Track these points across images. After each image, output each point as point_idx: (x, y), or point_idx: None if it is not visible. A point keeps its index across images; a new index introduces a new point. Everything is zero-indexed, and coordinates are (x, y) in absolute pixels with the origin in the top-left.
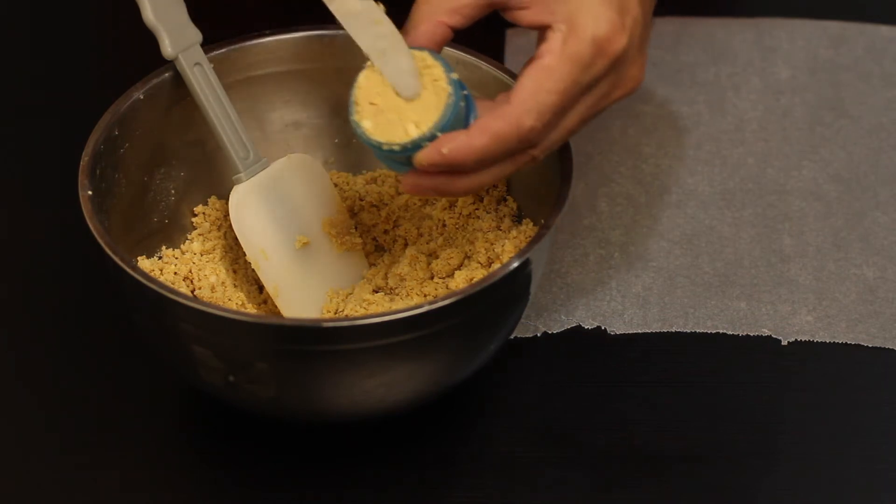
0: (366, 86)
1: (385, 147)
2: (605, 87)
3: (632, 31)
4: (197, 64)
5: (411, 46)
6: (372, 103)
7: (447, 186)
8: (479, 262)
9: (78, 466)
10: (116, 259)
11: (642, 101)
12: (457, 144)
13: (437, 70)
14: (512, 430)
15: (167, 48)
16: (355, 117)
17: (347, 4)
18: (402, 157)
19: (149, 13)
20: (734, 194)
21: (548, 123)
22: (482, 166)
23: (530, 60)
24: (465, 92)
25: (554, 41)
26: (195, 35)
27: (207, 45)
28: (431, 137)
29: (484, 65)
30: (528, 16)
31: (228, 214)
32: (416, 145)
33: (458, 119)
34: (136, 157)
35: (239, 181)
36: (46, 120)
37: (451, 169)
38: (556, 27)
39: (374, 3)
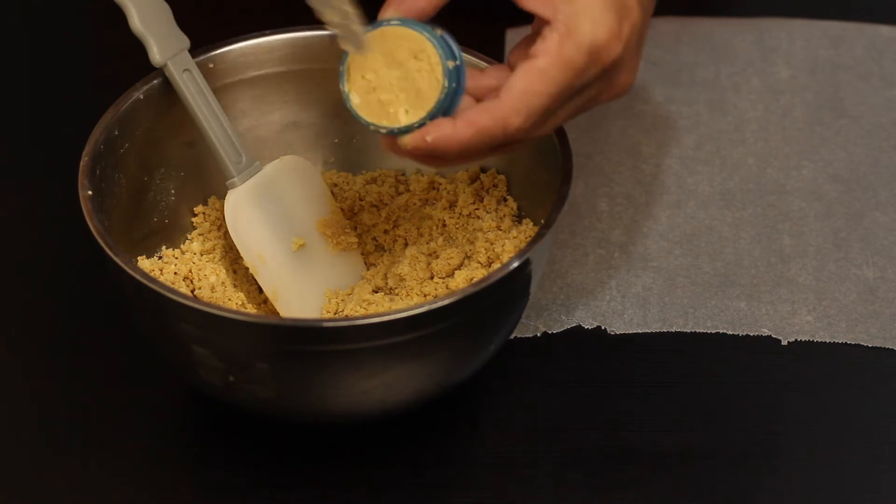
0: (358, 58)
1: (372, 128)
2: (594, 91)
3: (628, 38)
4: (186, 70)
5: (406, 23)
6: (364, 77)
7: (427, 162)
8: (479, 262)
9: (78, 466)
10: (116, 259)
11: (642, 101)
12: (442, 135)
13: (434, 58)
14: (512, 430)
15: (155, 56)
16: (346, 88)
17: None
18: (387, 135)
19: (136, 21)
20: (734, 194)
21: (535, 124)
22: (465, 157)
23: (525, 57)
24: (458, 63)
25: (550, 42)
26: (183, 41)
27: (207, 45)
28: (420, 125)
29: (484, 65)
30: (529, 1)
31: None
32: (403, 131)
33: (448, 103)
34: (136, 157)
35: (233, 186)
36: (47, 120)
37: (434, 155)
38: (554, 27)
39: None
